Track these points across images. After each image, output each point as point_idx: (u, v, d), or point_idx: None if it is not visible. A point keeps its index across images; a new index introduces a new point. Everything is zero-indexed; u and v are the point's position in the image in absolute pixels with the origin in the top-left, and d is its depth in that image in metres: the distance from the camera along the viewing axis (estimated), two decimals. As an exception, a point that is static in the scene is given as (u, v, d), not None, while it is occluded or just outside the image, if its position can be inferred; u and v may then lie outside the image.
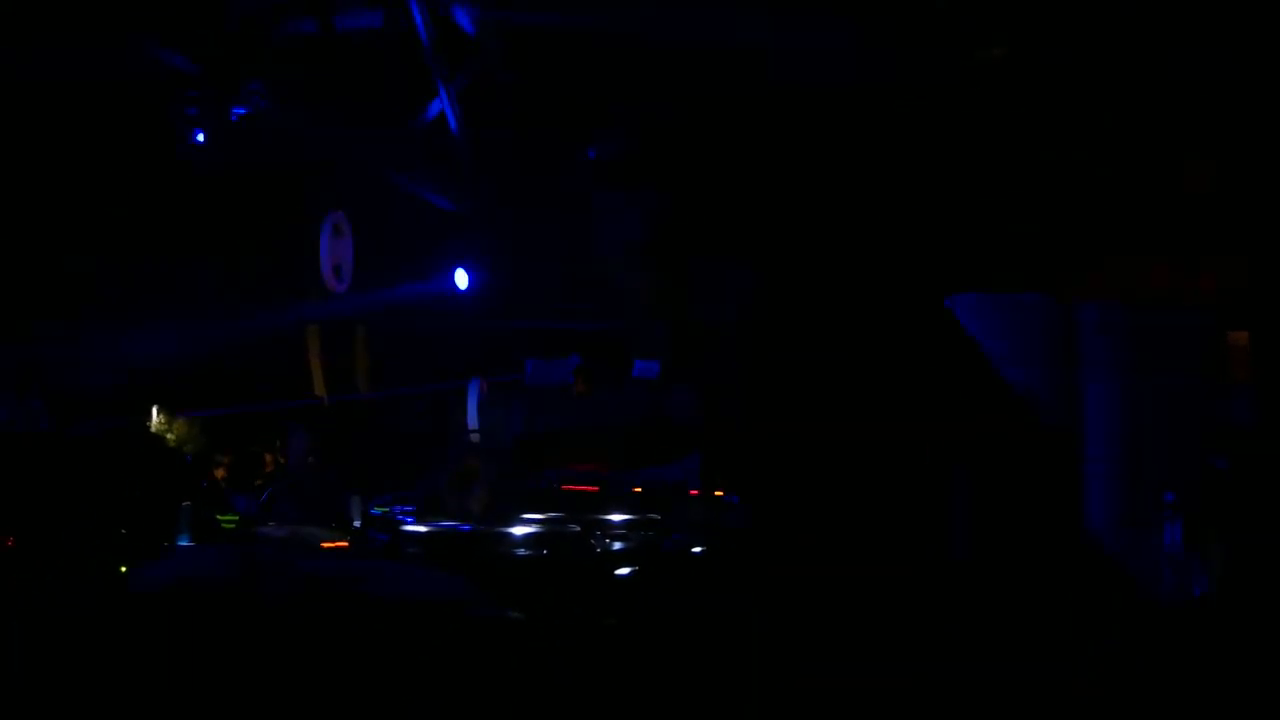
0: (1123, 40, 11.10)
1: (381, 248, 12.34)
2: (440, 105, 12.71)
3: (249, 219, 11.74)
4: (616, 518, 8.84)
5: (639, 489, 9.20)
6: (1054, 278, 11.25)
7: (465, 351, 12.15)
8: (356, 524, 8.77)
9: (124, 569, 8.44)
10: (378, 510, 9.04)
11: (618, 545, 8.23)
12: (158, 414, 10.14)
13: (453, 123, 12.73)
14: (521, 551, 8.03)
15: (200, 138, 10.99)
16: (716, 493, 9.56)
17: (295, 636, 7.17)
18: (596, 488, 9.32)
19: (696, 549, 8.67)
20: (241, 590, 7.57)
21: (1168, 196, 11.04)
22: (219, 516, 9.03)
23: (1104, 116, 11.20)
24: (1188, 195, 11.02)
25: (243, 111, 11.07)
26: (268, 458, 10.37)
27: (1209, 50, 10.85)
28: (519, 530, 8.31)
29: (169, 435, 9.98)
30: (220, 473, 10.10)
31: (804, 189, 12.58)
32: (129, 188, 11.54)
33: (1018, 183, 11.45)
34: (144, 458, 9.54)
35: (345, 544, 8.36)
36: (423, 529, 8.32)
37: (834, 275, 12.27)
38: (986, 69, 11.54)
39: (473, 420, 10.64)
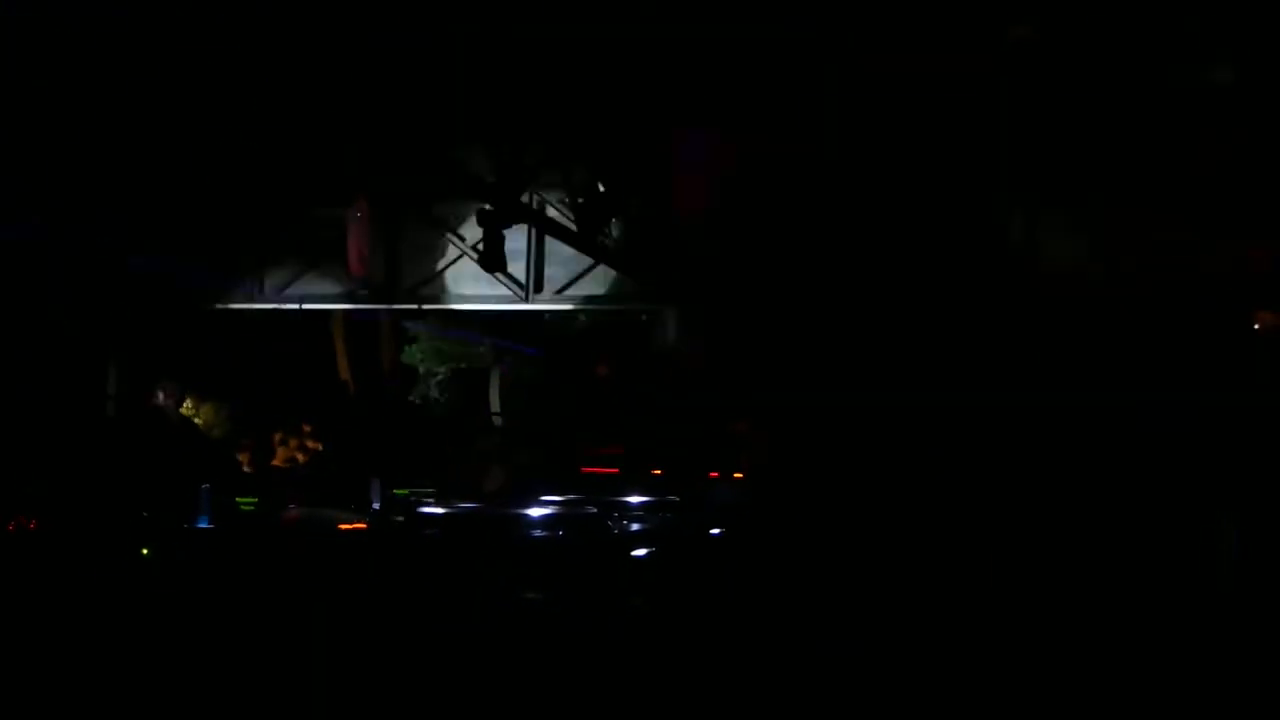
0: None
1: (406, 235, 12.40)
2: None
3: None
4: (635, 500, 8.86)
5: (658, 471, 9.24)
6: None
7: (489, 334, 12.17)
8: (376, 506, 8.82)
9: (145, 551, 8.54)
10: (398, 493, 9.10)
11: (635, 527, 8.25)
12: (187, 399, 10.22)
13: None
14: (538, 533, 8.05)
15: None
16: (736, 475, 9.57)
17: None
18: (616, 469, 9.34)
19: (715, 530, 8.68)
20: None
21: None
22: (238, 499, 9.09)
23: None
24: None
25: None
26: (292, 442, 10.42)
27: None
28: (536, 512, 8.34)
29: (196, 419, 10.06)
30: (245, 457, 10.16)
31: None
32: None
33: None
34: (166, 441, 9.62)
35: (363, 525, 8.41)
36: (440, 511, 8.35)
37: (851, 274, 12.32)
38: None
39: (495, 403, 10.66)
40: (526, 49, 12.78)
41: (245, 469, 10.05)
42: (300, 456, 10.37)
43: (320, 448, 10.32)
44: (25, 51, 11.75)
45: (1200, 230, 11.45)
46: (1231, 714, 7.97)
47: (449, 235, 13.00)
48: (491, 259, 12.20)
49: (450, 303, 12.98)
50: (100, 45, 12.00)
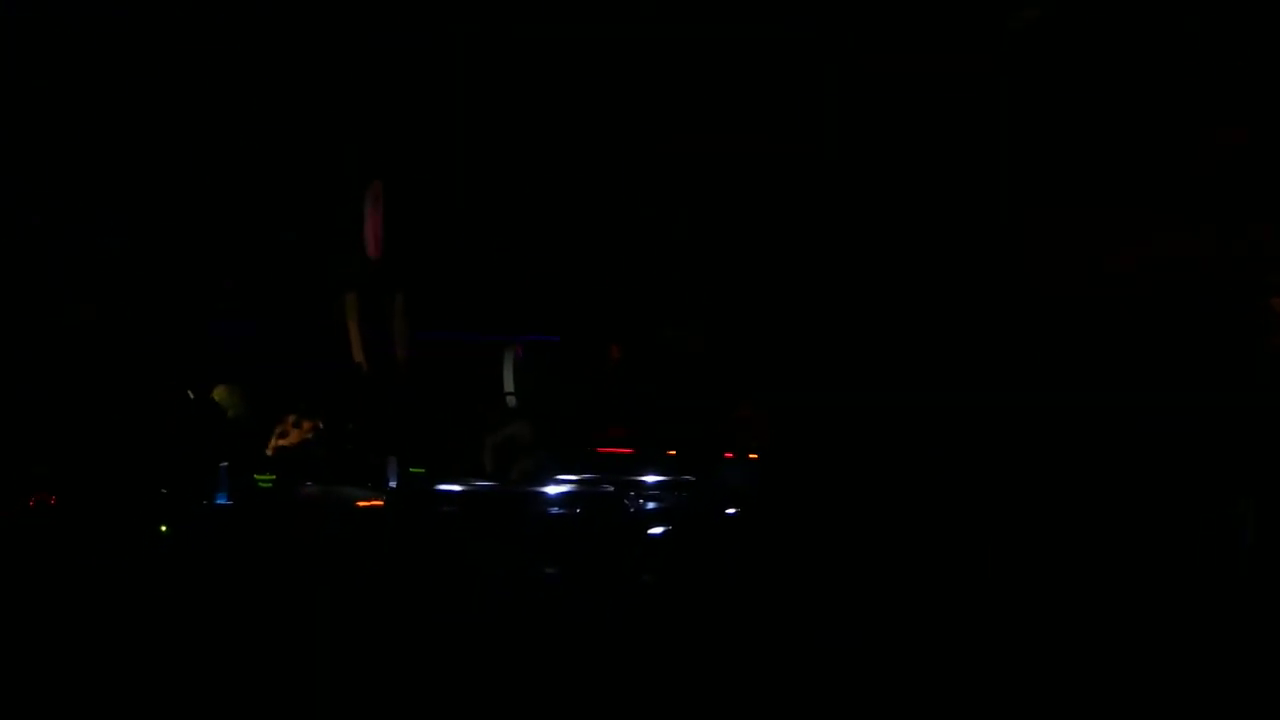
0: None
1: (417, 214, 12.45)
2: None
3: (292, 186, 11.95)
4: (650, 479, 8.95)
5: (673, 451, 9.32)
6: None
7: (502, 315, 12.17)
8: (393, 484, 8.87)
9: (164, 528, 8.60)
10: (415, 471, 9.16)
11: (651, 506, 8.34)
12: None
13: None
14: (555, 511, 8.14)
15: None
16: (751, 455, 9.63)
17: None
18: (631, 449, 9.41)
19: (730, 510, 8.76)
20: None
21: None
22: (256, 476, 9.14)
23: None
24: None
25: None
26: (306, 424, 10.44)
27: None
28: (553, 490, 8.43)
29: (209, 398, 10.09)
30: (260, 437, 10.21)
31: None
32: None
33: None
34: (185, 420, 9.68)
35: (380, 503, 8.48)
36: (458, 488, 8.44)
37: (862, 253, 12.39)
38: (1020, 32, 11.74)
39: (509, 383, 10.67)
40: (524, 49, 12.89)
41: (263, 448, 10.10)
42: (311, 437, 10.43)
43: (332, 427, 10.36)
44: (25, 52, 11.81)
45: (1200, 230, 11.55)
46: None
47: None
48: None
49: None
50: (100, 45, 12.07)
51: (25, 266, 12.00)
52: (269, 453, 9.86)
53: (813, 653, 8.20)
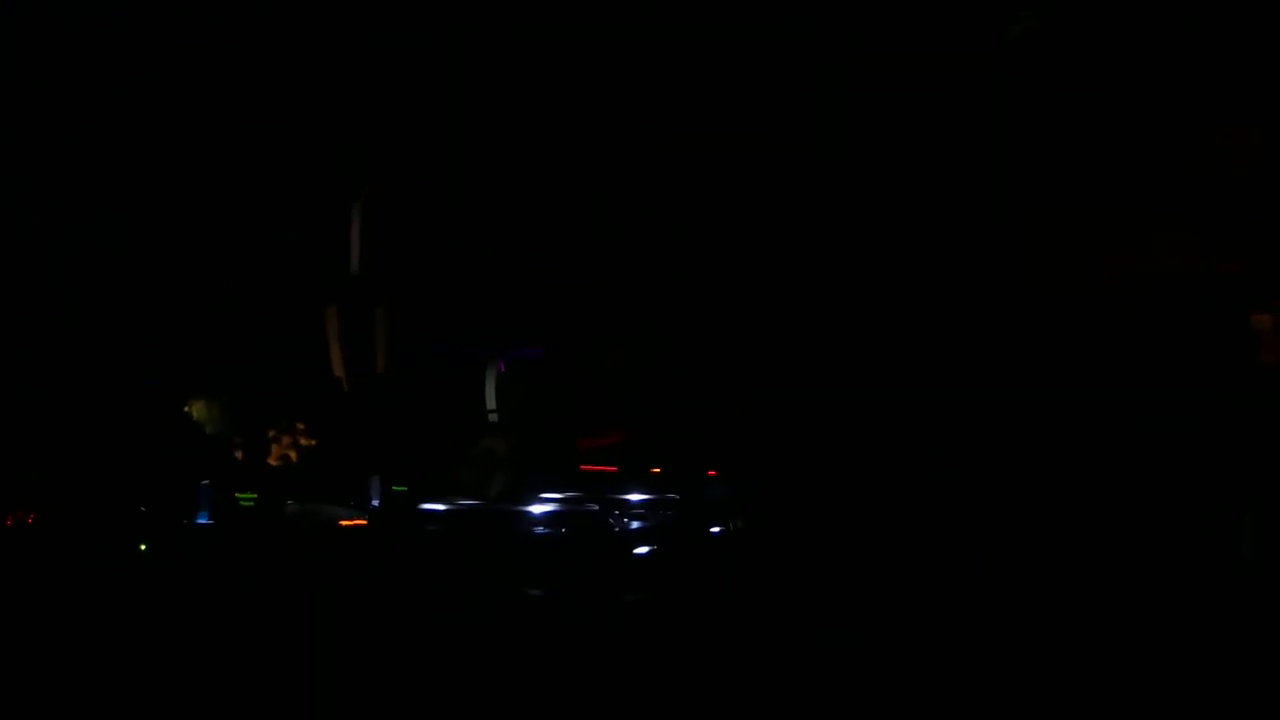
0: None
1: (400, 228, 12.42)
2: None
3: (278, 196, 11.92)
4: (635, 497, 8.94)
5: (658, 469, 9.30)
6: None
7: (484, 329, 12.16)
8: (375, 503, 8.87)
9: (143, 546, 8.60)
10: (397, 490, 9.16)
11: (635, 524, 8.32)
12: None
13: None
14: (540, 530, 8.13)
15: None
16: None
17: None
18: (615, 468, 9.40)
19: (715, 529, 8.75)
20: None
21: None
22: (237, 495, 9.13)
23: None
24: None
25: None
26: (285, 439, 10.42)
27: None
28: (537, 509, 8.42)
29: (190, 413, 10.07)
30: (240, 454, 10.17)
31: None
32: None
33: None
34: (164, 436, 9.66)
35: (364, 522, 8.47)
36: (441, 507, 8.42)
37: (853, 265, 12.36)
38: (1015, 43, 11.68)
39: (491, 400, 10.66)
40: (523, 49, 12.84)
41: (241, 465, 10.09)
42: (293, 454, 10.40)
43: (313, 444, 10.34)
44: (25, 51, 11.82)
45: (1201, 230, 11.50)
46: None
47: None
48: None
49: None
50: (100, 45, 12.07)
51: (25, 266, 12.02)
52: (248, 468, 9.85)
53: (809, 658, 8.19)
